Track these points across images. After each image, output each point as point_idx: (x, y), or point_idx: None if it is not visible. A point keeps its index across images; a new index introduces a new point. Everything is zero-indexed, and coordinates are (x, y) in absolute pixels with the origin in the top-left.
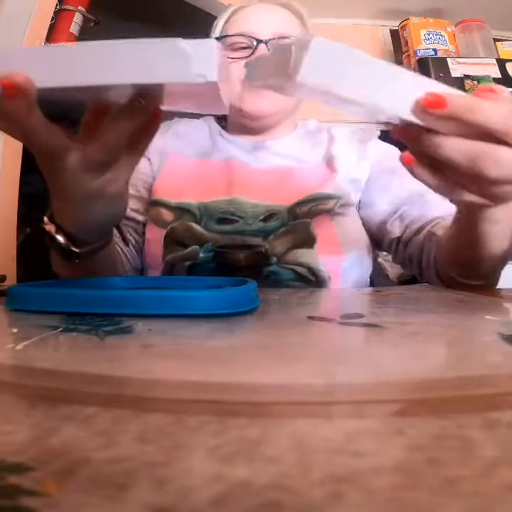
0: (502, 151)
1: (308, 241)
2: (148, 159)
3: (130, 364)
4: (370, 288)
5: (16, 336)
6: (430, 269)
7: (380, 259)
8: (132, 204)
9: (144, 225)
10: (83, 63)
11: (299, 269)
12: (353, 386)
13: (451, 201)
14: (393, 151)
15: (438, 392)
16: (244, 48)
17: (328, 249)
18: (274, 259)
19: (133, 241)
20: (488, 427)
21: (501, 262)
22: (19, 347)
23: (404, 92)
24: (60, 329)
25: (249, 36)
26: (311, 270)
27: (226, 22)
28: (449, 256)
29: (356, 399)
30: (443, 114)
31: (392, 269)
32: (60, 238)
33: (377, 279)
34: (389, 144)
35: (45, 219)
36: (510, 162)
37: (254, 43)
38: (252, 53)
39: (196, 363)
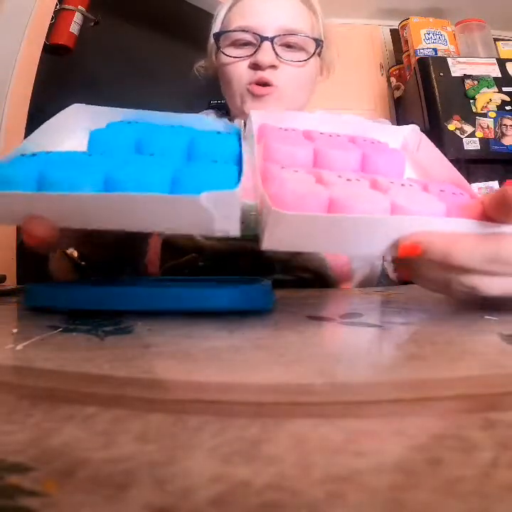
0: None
1: None
2: None
3: (130, 364)
4: (370, 288)
5: (15, 336)
6: None
7: None
8: None
9: None
10: (107, 213)
11: (305, 275)
12: (353, 386)
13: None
14: None
15: (438, 392)
16: (247, 45)
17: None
18: (279, 265)
19: None
20: (488, 426)
21: None
22: (19, 347)
23: (375, 239)
24: (60, 329)
25: (253, 32)
26: (319, 275)
27: (229, 11)
28: None
29: (356, 399)
30: (420, 258)
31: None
32: (83, 263)
33: (378, 279)
34: None
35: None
36: (488, 289)
37: (259, 40)
38: (255, 51)
39: (196, 363)
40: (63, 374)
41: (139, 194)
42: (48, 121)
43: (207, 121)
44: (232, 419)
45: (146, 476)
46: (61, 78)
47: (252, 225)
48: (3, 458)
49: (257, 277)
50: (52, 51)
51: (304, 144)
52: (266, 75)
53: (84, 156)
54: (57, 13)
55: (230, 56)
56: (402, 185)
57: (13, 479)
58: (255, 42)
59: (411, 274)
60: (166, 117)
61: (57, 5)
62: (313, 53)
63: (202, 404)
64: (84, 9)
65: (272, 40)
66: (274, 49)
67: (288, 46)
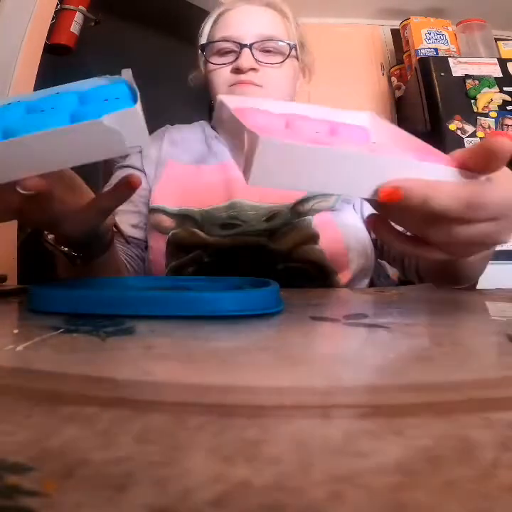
0: (455, 229)
1: (312, 238)
2: (144, 172)
3: (131, 366)
4: (373, 288)
5: (16, 337)
6: (411, 271)
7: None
8: (131, 219)
9: (145, 240)
10: (24, 157)
11: (305, 266)
12: (356, 388)
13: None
14: None
15: (442, 395)
16: (229, 52)
17: (333, 245)
18: (280, 258)
19: (137, 257)
20: (488, 427)
21: (480, 273)
22: (19, 348)
23: (359, 178)
24: (61, 330)
25: (234, 41)
26: (318, 267)
27: (213, 25)
28: (428, 276)
29: (362, 403)
30: (399, 203)
31: (393, 269)
32: (63, 247)
33: (378, 278)
34: None
35: (45, 232)
36: (463, 236)
37: (239, 47)
38: (236, 58)
39: (198, 364)
40: (63, 376)
41: (44, 131)
42: None
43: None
44: (232, 420)
45: (145, 477)
46: (62, 78)
47: (252, 222)
48: (3, 458)
49: (264, 279)
50: (52, 51)
51: (278, 117)
52: (247, 77)
53: None
54: (57, 13)
55: (215, 63)
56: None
57: (13, 479)
58: (236, 49)
59: (381, 227)
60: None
61: (57, 5)
62: (288, 55)
63: (203, 406)
64: (84, 9)
65: (250, 46)
66: (253, 54)
67: (266, 51)
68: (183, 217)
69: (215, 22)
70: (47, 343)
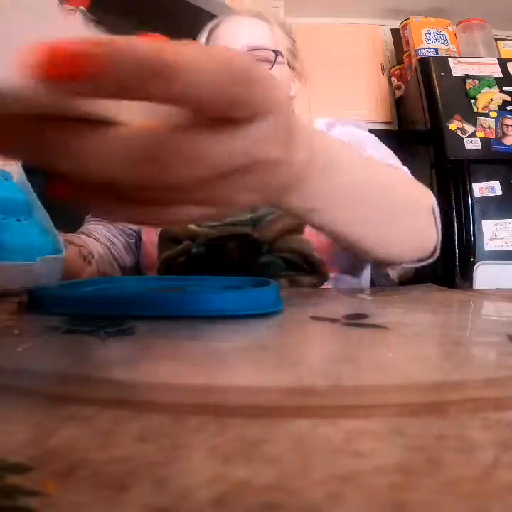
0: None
1: (298, 227)
2: None
3: (131, 366)
4: (374, 288)
5: (17, 337)
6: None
7: None
8: None
9: (134, 230)
10: None
11: (291, 256)
12: (356, 388)
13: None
14: (356, 132)
15: (442, 395)
16: None
17: (319, 234)
18: (265, 247)
19: (120, 243)
20: (488, 427)
21: (385, 243)
22: (20, 349)
23: None
24: (61, 330)
25: None
26: (304, 256)
27: (207, 38)
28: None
29: (362, 403)
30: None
31: (393, 269)
32: None
33: (379, 278)
34: (355, 129)
35: None
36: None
37: None
38: None
39: (197, 365)
40: (63, 376)
41: None
42: None
43: None
44: (232, 420)
45: (145, 477)
46: None
47: (238, 213)
48: (3, 458)
49: (264, 279)
50: None
51: None
52: None
53: None
54: None
55: None
56: None
57: (13, 479)
58: None
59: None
60: None
61: (57, 5)
62: (274, 63)
63: (203, 406)
64: (84, 9)
65: None
66: None
67: (256, 61)
68: None
69: (209, 35)
70: (47, 343)
